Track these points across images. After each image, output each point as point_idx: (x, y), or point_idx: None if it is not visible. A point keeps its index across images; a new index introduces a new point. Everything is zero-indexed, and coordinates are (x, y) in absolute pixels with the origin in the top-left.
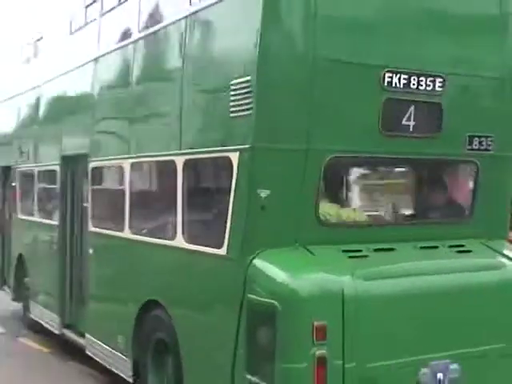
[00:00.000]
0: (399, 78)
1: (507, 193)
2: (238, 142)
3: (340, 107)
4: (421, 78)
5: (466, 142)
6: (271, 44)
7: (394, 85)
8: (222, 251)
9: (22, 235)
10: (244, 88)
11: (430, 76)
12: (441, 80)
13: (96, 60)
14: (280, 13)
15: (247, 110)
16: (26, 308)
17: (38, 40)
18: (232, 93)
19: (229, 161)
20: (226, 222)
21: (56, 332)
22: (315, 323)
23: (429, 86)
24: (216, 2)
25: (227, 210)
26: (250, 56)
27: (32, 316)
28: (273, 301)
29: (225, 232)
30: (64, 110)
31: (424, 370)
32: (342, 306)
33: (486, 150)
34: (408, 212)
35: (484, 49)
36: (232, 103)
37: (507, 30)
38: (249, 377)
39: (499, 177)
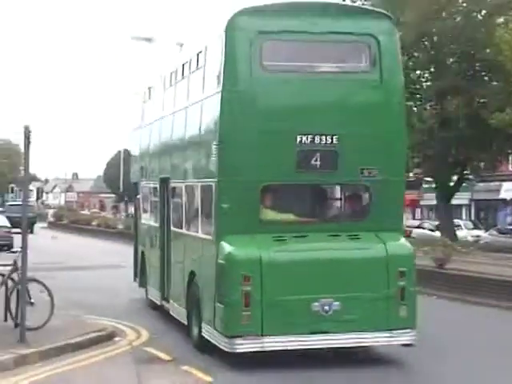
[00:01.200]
0: (307, 138)
1: (400, 200)
2: (214, 176)
3: (271, 156)
4: (322, 137)
5: (359, 172)
6: (229, 125)
7: (303, 142)
8: (211, 237)
9: (144, 236)
10: (217, 146)
11: (328, 135)
12: (336, 137)
13: (162, 118)
14: (234, 108)
15: (217, 158)
16: (146, 292)
17: (150, 88)
18: (213, 148)
19: (211, 187)
20: (211, 221)
21: (158, 303)
22: (243, 273)
23: (328, 141)
24: (205, 98)
25: (212, 214)
26: (217, 130)
27: (149, 297)
28: (223, 261)
29: (211, 227)
30: (159, 144)
31: (315, 304)
32: (260, 266)
33: (373, 177)
34: (321, 214)
35: (365, 118)
36: (213, 155)
37: (381, 108)
38: (217, 304)
39: (390, 192)
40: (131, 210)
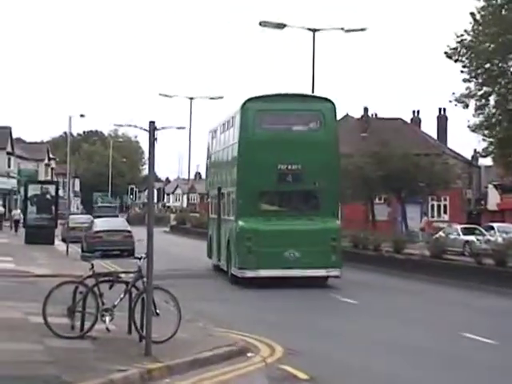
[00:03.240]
0: (284, 165)
1: (336, 199)
2: (235, 185)
3: (264, 175)
4: (292, 165)
5: (313, 183)
6: (243, 158)
7: (282, 168)
8: (233, 218)
9: (211, 226)
10: (237, 169)
11: (295, 164)
12: (300, 165)
13: (218, 151)
14: (245, 149)
15: (236, 176)
16: (212, 260)
17: (212, 131)
18: (235, 170)
19: (234, 191)
20: (235, 210)
21: (215, 264)
22: (246, 235)
23: (295, 167)
24: (233, 143)
25: (235, 206)
26: (237, 160)
27: (212, 262)
28: (239, 230)
29: (234, 213)
30: (217, 166)
31: (286, 253)
32: (257, 232)
33: (321, 186)
34: (292, 207)
35: (315, 154)
36: (235, 174)
37: (324, 149)
38: (236, 253)
39: (330, 194)
40: None
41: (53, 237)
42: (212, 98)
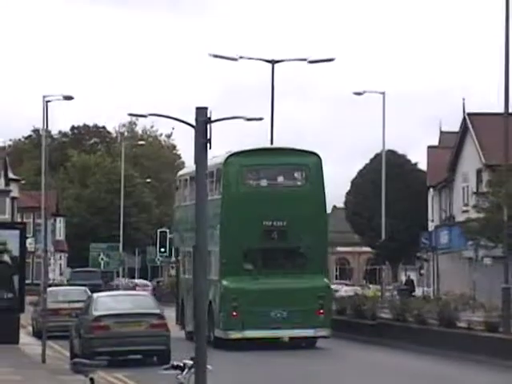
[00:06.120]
0: (269, 222)
1: (324, 255)
2: (218, 244)
3: (249, 232)
4: (277, 221)
5: (301, 240)
6: (226, 215)
7: (267, 224)
8: (216, 278)
9: (183, 288)
10: (219, 227)
11: (280, 220)
12: (285, 221)
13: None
14: (228, 206)
15: (219, 233)
16: (185, 327)
17: (180, 181)
18: (217, 228)
19: (216, 251)
20: (218, 269)
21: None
22: (231, 296)
23: (280, 223)
24: (215, 198)
25: (218, 266)
26: (219, 217)
27: (188, 330)
28: (223, 290)
29: (217, 272)
30: (189, 218)
31: (273, 312)
32: (242, 292)
33: (307, 242)
34: (278, 264)
35: (301, 210)
36: (217, 231)
37: (310, 204)
38: (220, 313)
39: (318, 251)
40: (404, 277)
41: (16, 330)
42: None
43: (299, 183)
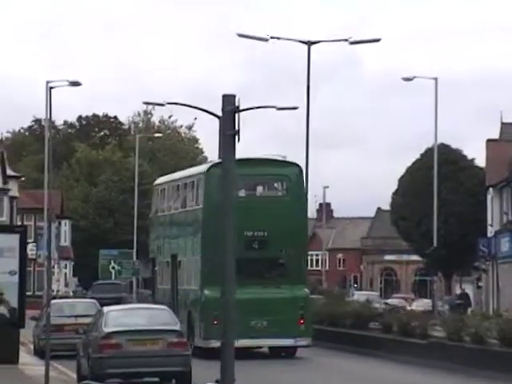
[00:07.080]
0: (250, 232)
1: (304, 265)
2: (199, 253)
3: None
4: (258, 232)
5: (281, 250)
6: (207, 225)
7: (248, 235)
8: (196, 288)
9: (160, 298)
10: (201, 237)
11: (261, 231)
12: (266, 232)
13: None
14: (209, 216)
15: (200, 243)
16: None
17: (160, 189)
18: (199, 238)
19: (198, 260)
20: (198, 279)
21: None
22: (213, 305)
23: (261, 234)
24: (195, 207)
25: (198, 275)
26: (200, 227)
27: None
28: (204, 300)
29: (198, 282)
30: (166, 228)
31: (253, 322)
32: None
33: (288, 253)
34: (258, 274)
35: (282, 220)
36: (198, 241)
37: (291, 215)
38: (200, 323)
39: (298, 261)
40: (459, 290)
41: (15, 348)
42: None
43: (280, 194)
